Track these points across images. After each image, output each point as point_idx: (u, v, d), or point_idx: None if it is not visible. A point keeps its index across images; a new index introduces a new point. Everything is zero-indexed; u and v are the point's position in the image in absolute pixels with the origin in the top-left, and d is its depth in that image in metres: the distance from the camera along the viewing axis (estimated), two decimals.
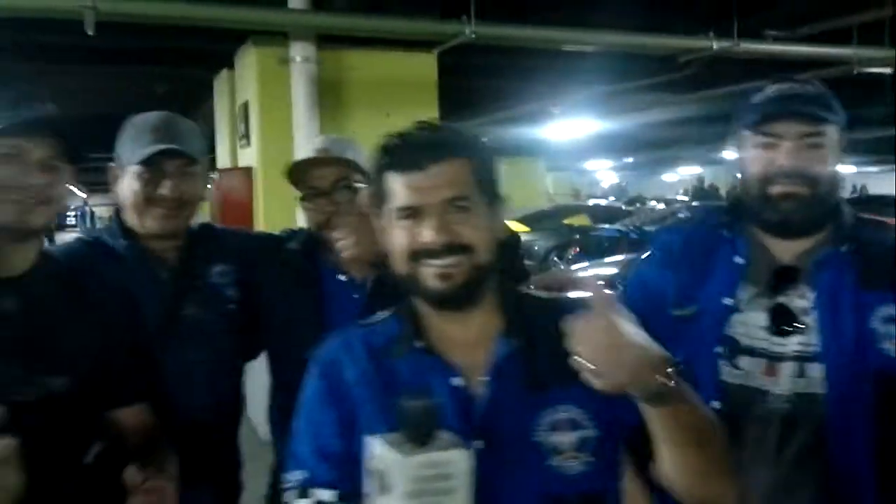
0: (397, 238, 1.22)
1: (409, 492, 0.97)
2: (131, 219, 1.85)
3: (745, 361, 1.60)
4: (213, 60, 7.24)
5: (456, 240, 1.18)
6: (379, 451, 1.01)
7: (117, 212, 1.89)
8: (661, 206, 19.14)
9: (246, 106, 6.31)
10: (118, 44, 6.17)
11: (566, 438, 1.20)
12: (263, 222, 6.07)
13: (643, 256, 1.82)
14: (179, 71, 7.98)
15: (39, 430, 1.33)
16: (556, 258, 12.20)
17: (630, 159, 24.15)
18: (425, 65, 6.15)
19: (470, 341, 1.25)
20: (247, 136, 6.49)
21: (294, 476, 1.23)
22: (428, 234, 1.18)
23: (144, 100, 1.93)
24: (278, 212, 5.49)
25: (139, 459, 1.55)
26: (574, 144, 13.94)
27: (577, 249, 11.79)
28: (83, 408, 1.52)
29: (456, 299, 1.21)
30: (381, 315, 1.34)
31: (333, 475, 1.21)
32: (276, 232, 2.25)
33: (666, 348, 1.48)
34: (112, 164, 1.88)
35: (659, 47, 6.33)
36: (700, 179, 26.39)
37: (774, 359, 1.57)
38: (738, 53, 6.28)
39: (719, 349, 1.61)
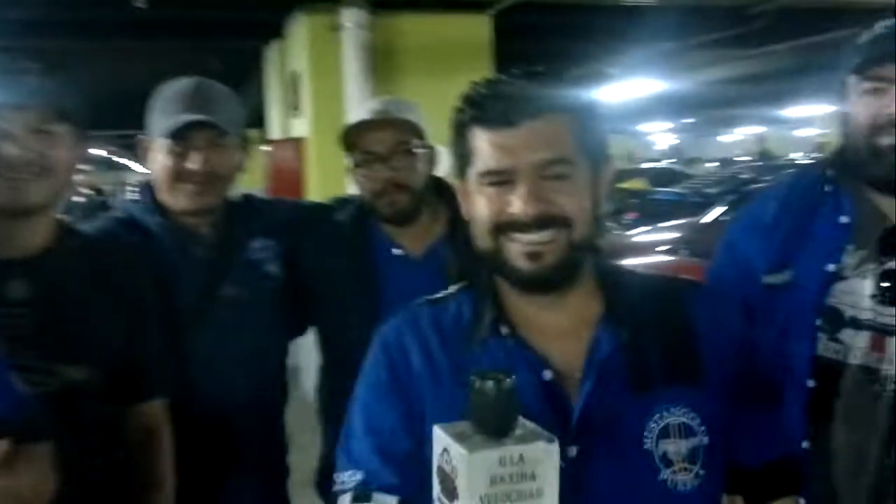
0: (480, 207, 1.06)
1: (483, 496, 0.81)
2: (162, 194, 1.75)
3: (847, 335, 1.43)
4: (262, 31, 7.16)
5: (551, 211, 1.01)
6: (445, 445, 0.85)
7: (149, 187, 1.80)
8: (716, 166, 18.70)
9: (296, 75, 6.22)
10: (163, 17, 6.12)
11: (679, 447, 1.03)
12: (315, 193, 5.99)
13: (732, 220, 1.67)
14: (228, 43, 7.94)
15: (62, 425, 1.23)
16: (611, 224, 11.96)
17: (689, 120, 23.54)
18: (479, 27, 5.97)
19: (563, 329, 1.08)
20: (298, 106, 6.41)
21: (349, 477, 1.09)
22: (518, 204, 1.01)
23: (193, 74, 1.80)
24: (331, 182, 5.37)
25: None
26: (628, 106, 13.58)
27: (635, 214, 11.51)
28: (108, 402, 1.43)
29: (546, 282, 1.05)
30: (451, 290, 1.18)
31: (396, 479, 1.06)
32: (325, 201, 2.15)
33: (758, 319, 1.33)
34: (141, 136, 1.78)
35: None
36: (762, 140, 25.59)
37: (883, 332, 1.41)
38: (809, 2, 5.94)
39: (818, 321, 1.45)
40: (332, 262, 1.92)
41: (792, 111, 20.07)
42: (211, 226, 1.79)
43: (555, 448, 0.84)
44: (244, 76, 8.72)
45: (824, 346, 1.45)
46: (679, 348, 1.06)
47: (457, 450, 0.83)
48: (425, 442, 1.05)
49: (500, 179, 1.03)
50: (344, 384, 1.93)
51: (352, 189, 2.01)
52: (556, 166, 1.02)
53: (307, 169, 6.21)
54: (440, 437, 0.86)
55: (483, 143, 1.04)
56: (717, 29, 7.35)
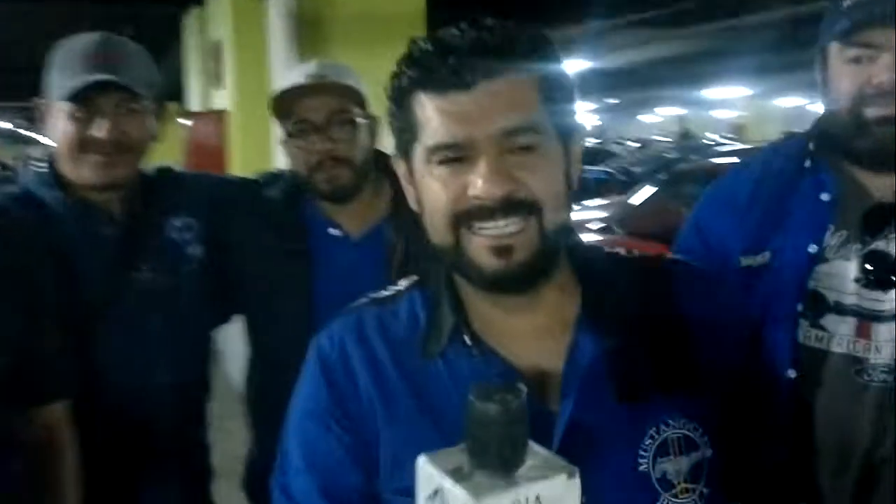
0: (432, 193, 0.86)
1: None
2: (65, 166, 1.52)
3: (830, 321, 1.33)
4: None
5: (518, 193, 0.83)
6: (437, 485, 0.66)
7: (50, 159, 1.56)
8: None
9: (219, 45, 5.91)
10: None
11: (679, 466, 0.88)
12: (238, 169, 5.73)
13: (700, 198, 1.55)
14: (145, 9, 7.55)
15: None
16: None
17: (612, 100, 23.80)
18: None
19: (536, 332, 0.91)
20: (220, 77, 6.11)
21: None
22: (479, 185, 0.82)
23: None
24: (255, 158, 5.16)
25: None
26: None
27: None
28: (1, 405, 1.25)
29: (516, 282, 0.87)
30: (401, 286, 1.00)
31: None
32: (253, 176, 1.95)
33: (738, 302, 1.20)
34: (39, 99, 1.54)
35: None
36: (681, 120, 26.07)
37: (869, 318, 1.32)
38: None
39: (799, 306, 1.35)
40: (260, 244, 1.73)
41: (711, 93, 20.48)
42: (122, 202, 1.58)
43: (577, 483, 0.67)
44: (161, 45, 8.32)
45: (806, 334, 1.34)
46: (675, 345, 0.91)
47: (457, 494, 0.64)
48: (377, 474, 0.89)
49: (455, 156, 0.84)
50: (275, 380, 1.74)
51: (280, 164, 1.82)
52: (522, 136, 0.84)
53: (229, 143, 5.94)
54: (428, 474, 0.67)
55: (431, 111, 0.84)
56: (645, 9, 7.34)
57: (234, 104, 5.81)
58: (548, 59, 0.87)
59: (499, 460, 0.65)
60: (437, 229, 0.88)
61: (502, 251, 0.84)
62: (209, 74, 6.44)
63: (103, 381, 1.49)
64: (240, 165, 5.64)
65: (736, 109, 24.34)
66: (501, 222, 0.83)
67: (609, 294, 0.91)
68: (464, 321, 0.91)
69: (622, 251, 1.01)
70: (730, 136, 21.96)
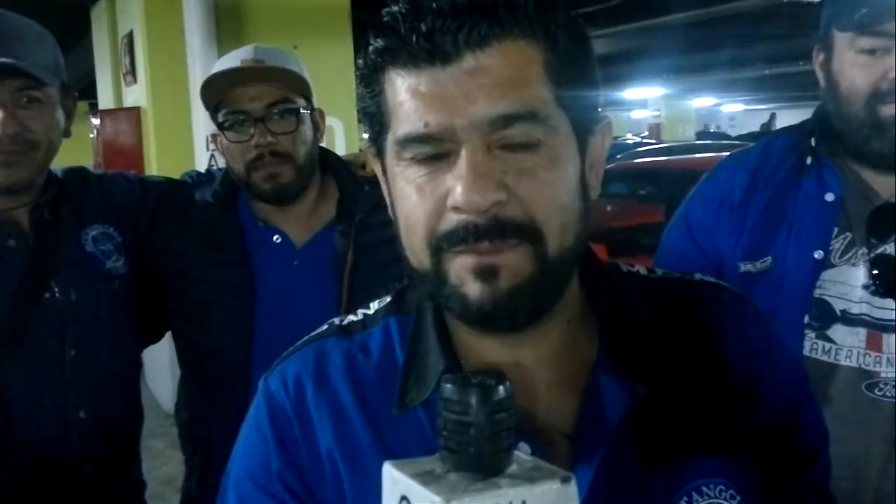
0: (406, 201, 0.68)
1: None
2: None
3: (838, 332, 1.22)
4: None
5: (508, 210, 0.65)
6: (404, 491, 0.55)
7: None
8: None
9: (131, 37, 5.57)
10: None
11: None
12: (156, 172, 5.42)
13: (690, 197, 1.41)
14: (51, 0, 7.11)
15: None
16: None
17: None
18: None
19: (542, 377, 0.73)
20: (133, 72, 5.76)
21: None
22: (457, 191, 0.64)
23: None
24: (174, 158, 4.88)
25: None
26: None
27: None
28: None
29: (505, 316, 0.68)
30: (372, 310, 0.81)
31: None
32: (180, 176, 1.74)
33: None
34: None
35: None
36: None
37: (879, 328, 1.21)
38: None
39: (805, 317, 1.23)
40: (192, 254, 1.54)
41: (628, 93, 20.77)
42: (28, 209, 1.36)
43: (573, 490, 0.55)
44: (68, 39, 7.87)
45: (812, 345, 1.23)
46: (718, 393, 0.75)
47: (423, 496, 0.53)
48: None
49: (432, 152, 0.66)
50: (211, 407, 1.56)
51: (201, 164, 1.62)
52: (519, 127, 0.65)
53: (145, 143, 5.60)
54: (395, 479, 0.56)
55: (402, 93, 0.67)
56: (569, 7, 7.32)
57: (148, 101, 5.49)
58: (557, 23, 0.68)
59: (477, 459, 0.54)
60: (414, 251, 0.69)
61: (486, 273, 0.66)
62: (122, 70, 6.09)
63: (11, 419, 1.27)
64: (157, 167, 5.32)
65: (651, 109, 24.75)
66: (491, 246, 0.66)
67: (634, 329, 0.74)
68: (453, 361, 0.72)
69: (643, 270, 0.83)
70: (645, 135, 22.37)
